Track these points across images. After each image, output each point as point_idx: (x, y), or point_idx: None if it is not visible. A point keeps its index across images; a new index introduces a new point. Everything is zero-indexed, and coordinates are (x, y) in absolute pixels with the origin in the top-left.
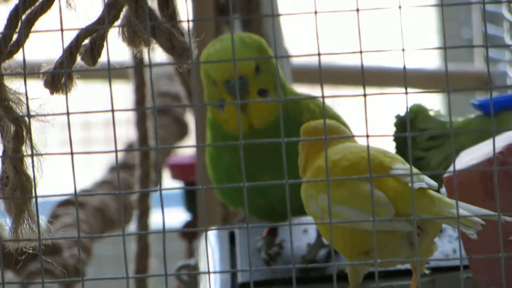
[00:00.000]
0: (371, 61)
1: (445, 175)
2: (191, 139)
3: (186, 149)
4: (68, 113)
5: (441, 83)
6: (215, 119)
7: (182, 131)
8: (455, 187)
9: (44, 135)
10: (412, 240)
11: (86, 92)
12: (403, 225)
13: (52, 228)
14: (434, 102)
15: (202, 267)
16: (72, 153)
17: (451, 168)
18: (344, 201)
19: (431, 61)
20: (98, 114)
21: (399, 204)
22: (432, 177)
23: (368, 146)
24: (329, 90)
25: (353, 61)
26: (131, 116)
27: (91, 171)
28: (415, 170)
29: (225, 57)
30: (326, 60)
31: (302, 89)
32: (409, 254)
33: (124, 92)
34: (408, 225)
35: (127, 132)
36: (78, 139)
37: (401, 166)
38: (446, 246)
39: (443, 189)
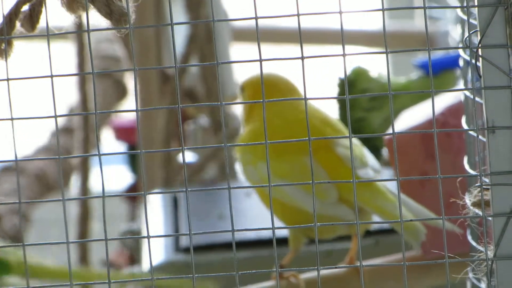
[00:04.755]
0: (312, 21)
1: (386, 137)
2: (130, 101)
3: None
4: (8, 79)
5: (383, 43)
6: None
7: (122, 93)
8: (394, 151)
9: None
10: (350, 219)
11: (27, 53)
12: (346, 213)
13: None
14: (378, 62)
15: (144, 232)
16: (12, 119)
17: (391, 130)
18: (285, 175)
19: (374, 19)
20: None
21: (342, 188)
22: (373, 138)
23: (306, 113)
24: (267, 48)
25: (292, 23)
26: (72, 79)
27: (34, 137)
28: (357, 145)
29: None
30: (265, 22)
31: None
32: (345, 228)
33: (64, 52)
34: (352, 214)
35: (68, 95)
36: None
37: (345, 142)
38: None
39: (385, 149)
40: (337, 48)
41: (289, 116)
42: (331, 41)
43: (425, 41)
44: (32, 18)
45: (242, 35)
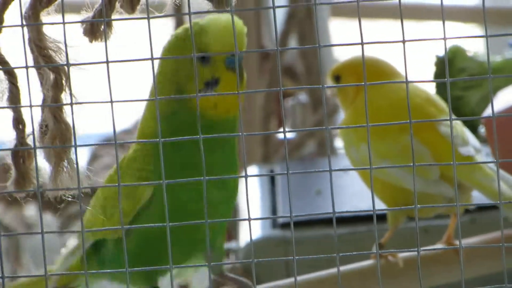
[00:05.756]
0: None
1: (485, 116)
2: None
3: None
4: (107, 62)
5: (479, 19)
6: (190, 106)
7: None
8: (494, 133)
9: (84, 82)
10: (450, 197)
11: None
12: (447, 190)
13: (91, 175)
14: (474, 41)
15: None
16: (111, 102)
17: (489, 109)
18: (387, 155)
19: None
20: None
21: (443, 166)
22: (471, 116)
23: (408, 97)
24: (367, 23)
25: None
26: None
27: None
28: (458, 123)
29: (227, 32)
30: None
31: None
32: (444, 208)
33: (162, 27)
34: (452, 191)
35: None
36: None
37: (447, 123)
38: None
39: (482, 129)
40: (435, 24)
41: (393, 97)
42: (429, 16)
43: None
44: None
45: (341, 11)
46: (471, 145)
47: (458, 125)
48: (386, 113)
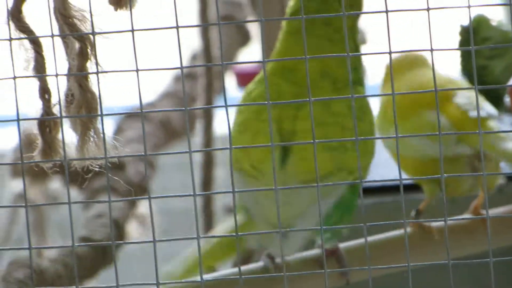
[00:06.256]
0: None
1: (509, 85)
2: (254, 47)
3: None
4: (132, 30)
5: None
6: None
7: (245, 38)
8: None
9: (109, 51)
10: (475, 165)
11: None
12: (464, 149)
13: (117, 145)
14: (497, 11)
15: None
16: (137, 70)
17: None
18: (414, 131)
19: None
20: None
21: (460, 130)
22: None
23: (433, 64)
24: None
25: None
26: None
27: (156, 82)
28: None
29: None
30: None
31: None
32: (474, 183)
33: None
34: (469, 148)
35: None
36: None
37: (464, 94)
38: None
39: (507, 98)
40: None
41: (416, 82)
42: None
43: None
44: None
45: None
46: (484, 110)
47: (473, 95)
48: (409, 96)
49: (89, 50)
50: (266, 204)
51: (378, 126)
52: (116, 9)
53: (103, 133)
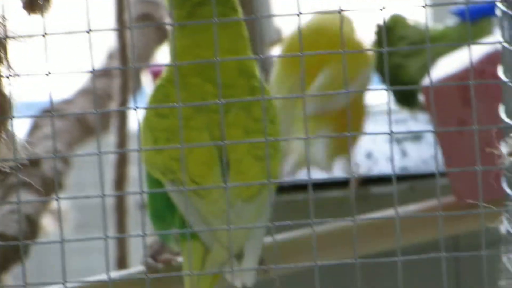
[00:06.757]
0: None
1: (424, 84)
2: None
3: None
4: (45, 34)
5: None
6: None
7: (162, 36)
8: (432, 104)
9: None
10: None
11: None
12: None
13: (30, 148)
14: (415, 8)
15: None
16: (48, 74)
17: (428, 78)
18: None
19: None
20: (79, 24)
21: None
22: (410, 84)
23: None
24: None
25: None
26: (111, 24)
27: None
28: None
29: None
30: None
31: None
32: None
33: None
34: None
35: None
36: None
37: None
38: (425, 152)
39: (421, 97)
40: None
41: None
42: None
43: None
44: None
45: None
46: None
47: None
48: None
49: (1, 54)
50: (216, 224)
51: (275, 82)
52: (29, 14)
53: (13, 135)
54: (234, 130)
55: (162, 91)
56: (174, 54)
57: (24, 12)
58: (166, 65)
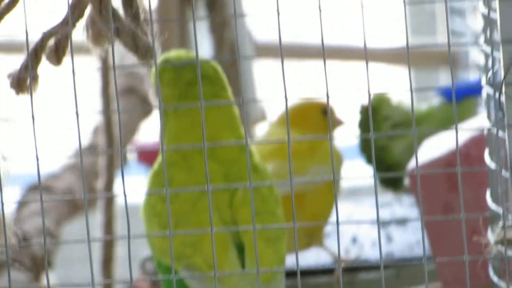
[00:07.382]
0: (336, 37)
1: (409, 168)
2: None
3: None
4: (33, 117)
5: (405, 60)
6: None
7: (147, 109)
8: (418, 190)
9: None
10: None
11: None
12: None
13: (19, 233)
14: (401, 81)
15: None
16: (37, 157)
17: (413, 161)
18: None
19: (398, 35)
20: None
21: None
22: (395, 166)
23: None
24: (291, 64)
25: (317, 39)
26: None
27: (60, 155)
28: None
29: None
30: (289, 38)
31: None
32: None
33: (88, 66)
34: None
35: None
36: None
37: None
38: (410, 237)
39: (407, 180)
40: (360, 65)
41: None
42: (354, 57)
43: (447, 59)
44: (58, 52)
45: (266, 51)
46: None
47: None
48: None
49: None
50: None
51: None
52: (17, 93)
53: (4, 222)
54: (245, 211)
55: (163, 176)
56: (171, 134)
57: (12, 92)
58: (161, 147)
